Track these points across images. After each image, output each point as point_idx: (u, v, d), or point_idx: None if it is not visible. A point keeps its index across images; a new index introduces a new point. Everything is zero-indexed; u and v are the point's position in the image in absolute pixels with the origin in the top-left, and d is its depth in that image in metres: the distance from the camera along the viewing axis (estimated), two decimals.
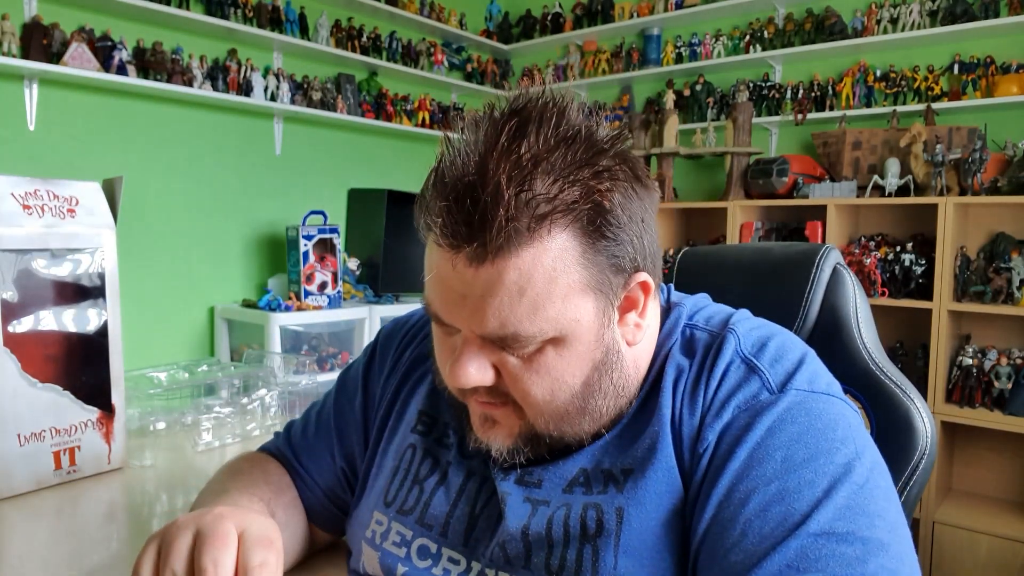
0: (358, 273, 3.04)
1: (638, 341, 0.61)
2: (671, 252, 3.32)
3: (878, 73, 3.00)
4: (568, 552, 0.58)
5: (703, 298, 0.71)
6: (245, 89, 2.85)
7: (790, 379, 0.58)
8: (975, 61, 2.79)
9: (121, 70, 2.46)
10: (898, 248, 2.74)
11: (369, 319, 2.88)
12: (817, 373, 0.60)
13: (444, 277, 0.55)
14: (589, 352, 0.57)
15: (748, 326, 0.64)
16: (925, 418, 0.75)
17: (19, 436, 0.98)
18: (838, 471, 0.53)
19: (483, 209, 0.50)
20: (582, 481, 0.61)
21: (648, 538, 0.57)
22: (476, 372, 0.57)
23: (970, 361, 2.58)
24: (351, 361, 0.82)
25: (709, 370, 0.60)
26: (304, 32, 3.06)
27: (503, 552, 0.61)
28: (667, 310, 0.67)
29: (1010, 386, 2.51)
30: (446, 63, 3.71)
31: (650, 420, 0.60)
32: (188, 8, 2.64)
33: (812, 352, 0.63)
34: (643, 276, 0.58)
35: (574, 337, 0.56)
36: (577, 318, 0.55)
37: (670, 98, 3.37)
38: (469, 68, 3.88)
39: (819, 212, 2.85)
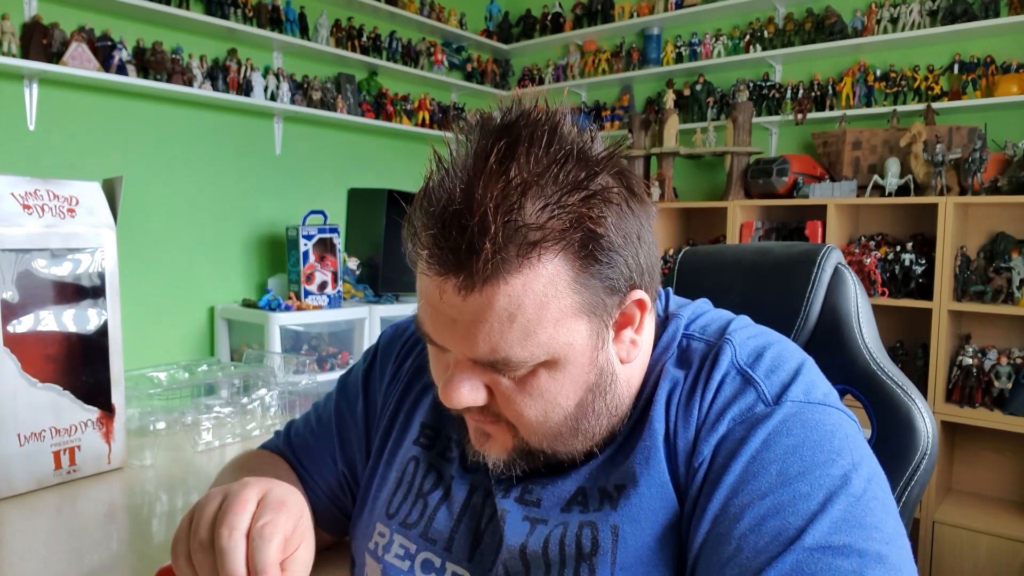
0: (358, 273, 3.04)
1: (633, 359, 0.60)
2: (671, 252, 3.32)
3: (878, 73, 3.00)
4: (565, 572, 0.57)
5: (702, 304, 0.70)
6: (245, 89, 2.85)
7: (786, 390, 0.57)
8: (975, 61, 2.79)
9: (121, 70, 2.46)
10: (898, 248, 2.74)
11: (369, 319, 2.88)
12: (814, 383, 0.59)
13: (433, 303, 0.54)
14: (583, 374, 0.57)
15: (745, 335, 0.62)
16: (926, 418, 0.75)
17: (19, 436, 0.98)
18: (834, 483, 0.52)
19: (470, 238, 0.49)
20: (580, 500, 0.60)
21: (644, 554, 0.56)
22: (468, 393, 0.56)
23: (970, 361, 2.58)
24: (352, 362, 0.82)
25: (704, 382, 0.59)
26: (304, 32, 3.06)
27: (505, 570, 0.61)
28: (664, 320, 0.66)
29: (1010, 386, 2.51)
30: (446, 63, 3.70)
31: (642, 435, 0.59)
32: (188, 8, 2.64)
33: (810, 360, 0.62)
34: (639, 294, 0.57)
35: (567, 360, 0.55)
36: (570, 342, 0.54)
37: (670, 98, 3.37)
38: (469, 68, 3.88)
39: (819, 212, 2.85)
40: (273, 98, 2.95)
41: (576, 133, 0.54)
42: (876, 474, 0.55)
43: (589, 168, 0.52)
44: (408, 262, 0.56)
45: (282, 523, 0.52)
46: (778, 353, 0.61)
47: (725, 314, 0.68)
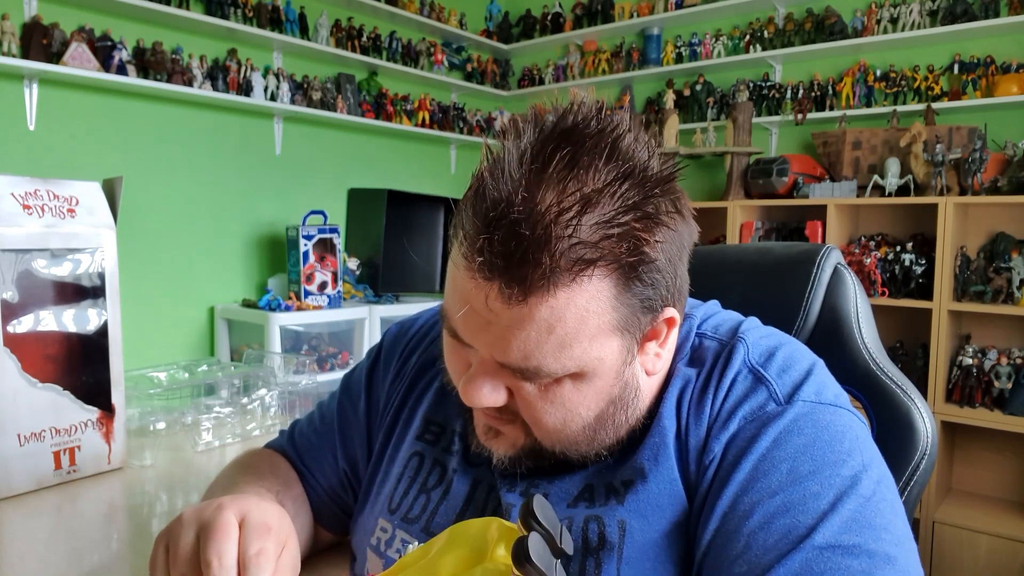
0: (358, 273, 3.04)
1: (657, 370, 0.60)
2: None
3: (878, 73, 3.00)
4: (571, 566, 0.57)
5: (713, 305, 0.70)
6: (245, 89, 2.85)
7: (797, 390, 0.58)
8: (975, 61, 2.79)
9: (121, 70, 2.46)
10: (898, 248, 2.74)
11: (369, 319, 2.88)
12: (825, 384, 0.59)
13: (474, 305, 0.53)
14: (607, 388, 0.56)
15: (757, 335, 0.63)
16: (926, 418, 0.75)
17: (19, 436, 0.98)
18: (844, 483, 0.52)
19: (526, 249, 0.48)
20: (586, 496, 0.60)
21: (651, 550, 0.56)
22: (489, 393, 0.56)
23: (970, 361, 2.58)
24: (352, 362, 0.82)
25: (717, 380, 0.59)
26: (304, 32, 3.06)
27: None
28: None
29: (1010, 386, 2.51)
30: (446, 63, 3.70)
31: (650, 432, 0.59)
32: (188, 8, 2.64)
33: (821, 362, 0.62)
34: (670, 312, 0.57)
35: (595, 374, 0.55)
36: (601, 357, 0.54)
37: (670, 98, 3.37)
38: (469, 68, 3.88)
39: (819, 212, 2.85)
40: (273, 98, 2.95)
41: (636, 148, 0.53)
42: (885, 476, 0.55)
43: (647, 189, 0.52)
44: (449, 246, 0.55)
45: (271, 549, 0.52)
46: (790, 354, 0.61)
47: (736, 315, 0.68)
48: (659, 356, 0.60)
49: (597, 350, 0.53)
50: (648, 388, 0.61)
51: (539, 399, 0.56)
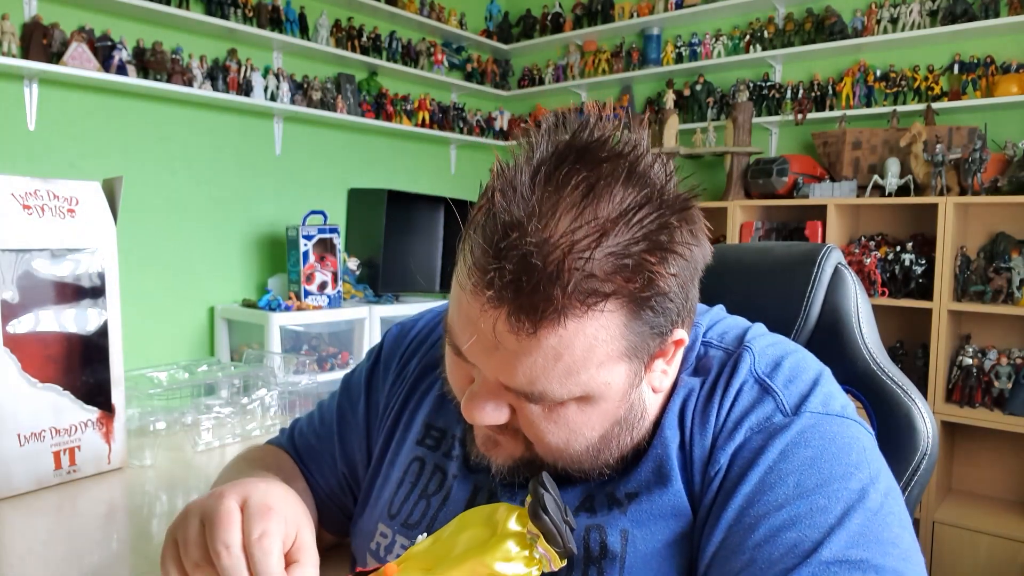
0: (358, 273, 3.04)
1: (664, 387, 0.60)
2: None
3: (878, 73, 3.00)
4: (573, 574, 0.57)
5: (719, 311, 0.69)
6: (245, 89, 2.85)
7: (804, 401, 0.57)
8: (975, 61, 2.79)
9: (121, 70, 2.46)
10: (898, 248, 2.74)
11: (369, 319, 2.88)
12: (832, 394, 0.59)
13: (479, 330, 0.51)
14: (613, 410, 0.56)
15: (763, 343, 0.62)
16: (926, 418, 0.75)
17: (19, 436, 0.98)
18: (852, 497, 0.51)
19: (536, 282, 0.47)
20: (587, 506, 0.60)
21: (653, 560, 0.56)
22: (492, 412, 0.55)
23: (970, 361, 2.58)
24: (352, 362, 0.82)
25: (723, 390, 0.58)
26: (304, 32, 3.06)
27: None
28: None
29: (1010, 386, 2.51)
30: (446, 63, 3.71)
31: (652, 443, 0.59)
32: (188, 8, 2.64)
33: (827, 371, 0.61)
34: (680, 333, 0.56)
35: (601, 398, 0.54)
36: (608, 382, 0.53)
37: (670, 98, 3.37)
38: (469, 68, 3.88)
39: (819, 212, 2.85)
40: (273, 98, 2.95)
41: (654, 171, 0.52)
42: (892, 489, 0.54)
43: (663, 218, 0.50)
44: (455, 260, 0.55)
45: (275, 530, 0.51)
46: (796, 363, 0.60)
47: (742, 321, 0.68)
48: (665, 373, 0.59)
49: (605, 375, 0.53)
50: (653, 405, 0.60)
51: (543, 419, 0.55)
